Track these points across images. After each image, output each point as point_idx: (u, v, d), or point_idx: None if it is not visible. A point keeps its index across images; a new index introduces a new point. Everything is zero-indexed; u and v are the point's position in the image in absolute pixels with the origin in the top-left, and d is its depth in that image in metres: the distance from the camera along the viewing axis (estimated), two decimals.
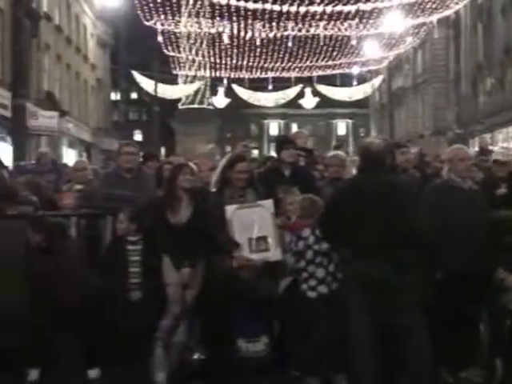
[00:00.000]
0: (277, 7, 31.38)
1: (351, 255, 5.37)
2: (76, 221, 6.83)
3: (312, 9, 32.28)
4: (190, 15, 33.59)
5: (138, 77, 43.56)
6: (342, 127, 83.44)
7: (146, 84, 43.93)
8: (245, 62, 40.55)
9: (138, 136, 71.87)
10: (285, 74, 44.82)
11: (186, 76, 43.30)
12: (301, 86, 49.35)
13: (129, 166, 6.97)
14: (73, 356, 6.20)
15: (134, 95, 72.39)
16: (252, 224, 6.10)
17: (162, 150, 46.18)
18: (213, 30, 36.16)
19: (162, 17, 33.91)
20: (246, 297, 5.94)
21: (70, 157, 33.31)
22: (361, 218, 5.23)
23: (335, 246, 5.70)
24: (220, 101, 49.15)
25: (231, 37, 35.66)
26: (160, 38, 36.77)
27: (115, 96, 54.29)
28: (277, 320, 6.22)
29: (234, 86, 47.01)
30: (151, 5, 31.67)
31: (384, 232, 5.14)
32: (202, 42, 36.43)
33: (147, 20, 33.49)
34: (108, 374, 6.08)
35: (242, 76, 43.80)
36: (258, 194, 6.33)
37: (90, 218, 7.03)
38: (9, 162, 14.21)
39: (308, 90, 52.38)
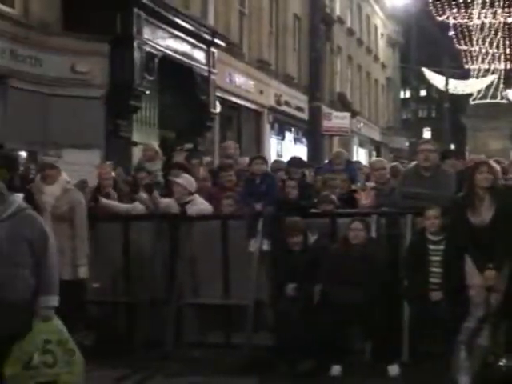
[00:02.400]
0: None
1: None
2: (376, 219, 6.89)
3: None
4: (483, 6, 32.22)
5: (428, 73, 42.94)
6: None
7: (436, 80, 43.13)
8: None
9: (426, 133, 70.84)
10: None
11: (478, 70, 41.60)
12: None
13: (427, 164, 6.82)
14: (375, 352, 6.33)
15: (422, 92, 71.49)
16: None
17: (452, 147, 44.92)
18: (509, 20, 34.28)
19: (455, 10, 32.99)
20: None
21: (360, 156, 33.98)
22: None
23: None
24: None
25: None
26: (451, 33, 35.81)
27: (404, 94, 54.16)
28: None
29: None
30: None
31: None
32: (496, 33, 34.73)
33: (439, 15, 32.81)
34: (409, 371, 6.08)
35: None
36: None
37: (390, 216, 7.05)
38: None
39: None
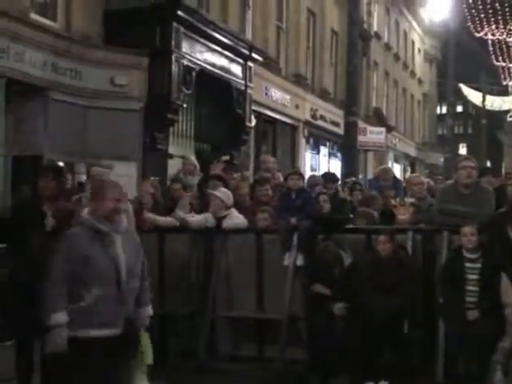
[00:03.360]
0: None
1: None
2: (412, 235, 6.86)
3: None
4: None
5: (465, 89, 42.66)
6: None
7: (473, 96, 42.83)
8: None
9: (462, 150, 70.20)
10: None
11: None
12: None
13: (470, 181, 6.77)
14: None
15: (459, 108, 70.94)
16: None
17: (488, 164, 44.50)
18: None
19: (493, 26, 32.74)
20: None
21: (395, 171, 33.78)
22: None
23: None
24: None
25: None
26: (490, 49, 35.54)
27: (440, 110, 53.80)
28: None
29: None
30: (482, 15, 30.76)
31: None
32: None
33: (477, 31, 32.60)
34: None
35: None
36: None
37: (427, 233, 7.02)
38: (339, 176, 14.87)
39: None
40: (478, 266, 6.05)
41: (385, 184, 8.67)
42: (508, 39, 34.68)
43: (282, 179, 8.60)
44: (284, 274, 6.96)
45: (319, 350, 6.43)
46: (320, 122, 23.67)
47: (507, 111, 44.98)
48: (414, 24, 39.89)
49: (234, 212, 7.43)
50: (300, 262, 6.95)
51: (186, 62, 13.73)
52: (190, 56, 13.92)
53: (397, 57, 36.13)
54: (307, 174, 14.65)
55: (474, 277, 6.04)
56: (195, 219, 7.53)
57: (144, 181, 9.04)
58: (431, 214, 7.10)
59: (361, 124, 23.34)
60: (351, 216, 7.75)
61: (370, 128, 26.31)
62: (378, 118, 30.91)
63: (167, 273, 7.45)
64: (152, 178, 9.06)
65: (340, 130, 20.12)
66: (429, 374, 6.25)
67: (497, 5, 30.02)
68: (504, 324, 5.79)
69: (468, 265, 6.08)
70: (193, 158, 10.01)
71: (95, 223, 4.33)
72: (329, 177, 9.65)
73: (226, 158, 10.22)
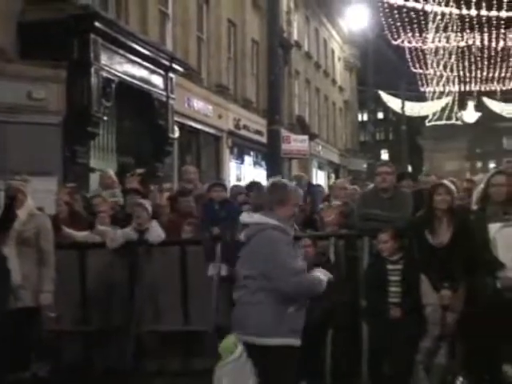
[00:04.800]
0: None
1: None
2: (334, 241, 6.94)
3: None
4: (437, 30, 32.96)
5: (385, 96, 43.63)
6: None
7: (393, 103, 43.87)
8: (496, 74, 38.72)
9: (384, 155, 71.73)
10: None
11: (434, 92, 42.44)
12: None
13: (385, 186, 6.91)
14: None
15: (380, 115, 72.49)
16: None
17: (409, 168, 45.62)
18: (462, 43, 35.11)
19: (410, 34, 33.68)
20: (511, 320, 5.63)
21: (319, 178, 34.22)
22: None
23: None
24: (470, 115, 47.49)
25: (481, 48, 34.31)
26: (407, 56, 36.54)
27: (362, 117, 54.87)
28: None
29: (485, 99, 45.14)
30: (398, 23, 31.59)
31: None
32: (450, 56, 35.53)
33: (394, 39, 33.45)
34: None
35: (493, 88, 41.86)
36: None
37: (349, 238, 7.12)
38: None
39: None
40: (398, 268, 6.16)
41: None
42: (424, 47, 35.71)
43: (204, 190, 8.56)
44: (209, 285, 6.93)
45: None
46: (243, 132, 23.78)
47: (426, 117, 46.26)
48: (334, 33, 40.63)
49: (156, 224, 7.36)
50: (224, 272, 6.94)
51: (105, 74, 13.56)
52: (110, 68, 13.76)
53: (317, 65, 36.69)
54: (232, 183, 14.68)
55: (396, 278, 6.14)
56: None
57: (60, 189, 8.84)
58: (352, 220, 7.22)
59: (284, 132, 23.53)
60: None
61: (293, 136, 26.59)
62: (301, 126, 31.27)
63: (90, 288, 7.31)
64: (68, 185, 8.87)
65: (264, 139, 20.15)
66: (355, 376, 6.33)
67: (412, 13, 30.87)
68: (425, 324, 5.91)
69: (389, 266, 6.19)
70: (111, 172, 9.88)
71: (287, 228, 4.45)
72: (254, 186, 9.70)
73: (141, 170, 10.13)
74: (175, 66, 16.65)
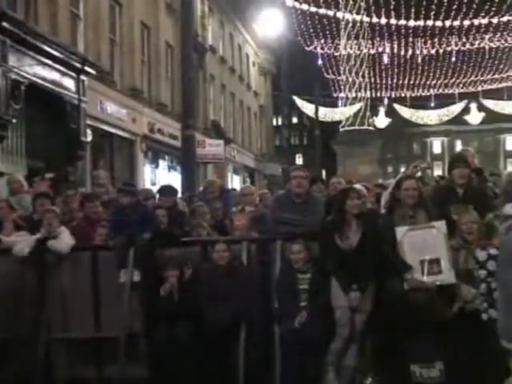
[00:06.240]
0: (439, 23, 30.67)
1: None
2: (247, 246, 6.97)
3: (476, 22, 31.21)
4: (349, 37, 33.68)
5: (299, 101, 44.18)
6: (511, 142, 79.57)
7: (307, 108, 44.45)
8: (406, 81, 39.95)
9: (299, 160, 72.73)
10: (448, 91, 43.60)
11: (347, 98, 43.30)
12: (465, 101, 47.77)
13: (300, 191, 6.98)
14: None
15: (295, 120, 73.45)
16: (424, 246, 5.96)
17: (323, 173, 46.36)
18: (372, 51, 36.04)
19: (322, 41, 34.34)
20: (419, 321, 5.80)
21: (235, 183, 34.33)
22: None
23: None
24: (381, 121, 48.70)
25: (391, 56, 35.34)
26: (320, 62, 37.20)
27: (276, 122, 55.39)
28: (451, 345, 5.99)
29: (396, 106, 46.43)
30: (311, 30, 32.18)
31: None
32: (361, 63, 36.36)
33: (308, 45, 34.02)
34: None
35: (403, 95, 43.18)
36: (430, 214, 6.16)
37: (261, 242, 7.16)
38: (179, 190, 14.84)
39: (473, 106, 50.58)
40: (307, 277, 6.27)
41: (211, 196, 8.74)
42: (336, 53, 36.46)
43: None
44: (121, 291, 6.83)
45: (161, 365, 6.39)
46: (158, 136, 23.59)
47: (339, 122, 47.11)
48: (248, 38, 40.85)
49: (65, 230, 7.20)
50: (137, 278, 6.85)
51: (13, 76, 13.17)
52: (19, 69, 13.37)
53: (232, 70, 36.81)
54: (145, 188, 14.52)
55: (305, 287, 6.26)
56: (22, 242, 7.23)
57: None
58: (265, 224, 7.27)
59: (199, 137, 23.51)
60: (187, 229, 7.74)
61: (208, 141, 26.57)
62: (217, 131, 31.28)
63: None
64: None
65: (179, 143, 20.06)
66: (268, 378, 6.38)
67: (324, 20, 31.50)
68: (335, 326, 6.02)
69: (299, 276, 6.30)
70: (19, 176, 9.60)
71: None
72: (166, 190, 9.64)
73: (50, 175, 9.91)
74: (87, 69, 16.34)
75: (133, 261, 6.85)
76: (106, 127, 19.45)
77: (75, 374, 6.98)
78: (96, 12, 18.98)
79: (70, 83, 15.75)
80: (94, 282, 7.05)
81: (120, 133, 20.69)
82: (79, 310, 7.03)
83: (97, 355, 7.04)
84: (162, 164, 25.08)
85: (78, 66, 15.87)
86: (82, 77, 16.27)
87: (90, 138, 17.26)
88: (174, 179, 23.05)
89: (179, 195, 10.20)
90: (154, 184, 22.21)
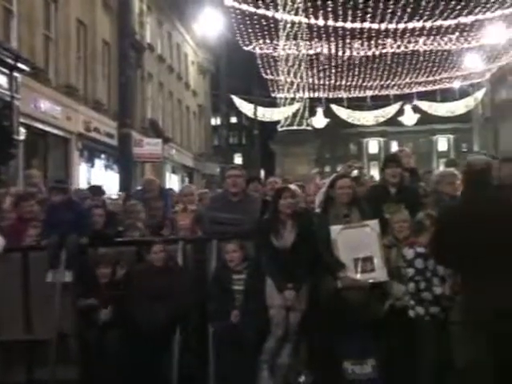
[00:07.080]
0: (375, 25, 31.15)
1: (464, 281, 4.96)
2: (182, 245, 6.92)
3: (411, 25, 31.83)
4: (287, 38, 33.85)
5: (238, 101, 44.16)
6: (443, 143, 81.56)
7: (245, 108, 44.47)
8: (343, 82, 40.42)
9: (238, 159, 72.81)
10: (384, 92, 44.30)
11: (285, 98, 43.54)
12: (400, 103, 48.63)
13: (235, 190, 6.96)
14: None
15: (233, 119, 73.46)
16: (358, 244, 6.03)
17: (262, 172, 46.50)
18: (311, 52, 36.32)
19: (261, 41, 34.41)
20: (352, 318, 5.86)
21: (173, 182, 34.14)
22: (470, 240, 4.76)
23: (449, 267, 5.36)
24: (319, 121, 49.10)
25: (329, 57, 35.70)
26: (259, 62, 37.26)
27: (215, 121, 55.31)
28: (385, 342, 6.08)
29: (333, 106, 46.91)
30: (250, 30, 32.18)
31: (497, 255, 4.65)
32: (300, 64, 36.57)
33: (246, 45, 34.03)
34: None
35: (340, 96, 43.67)
36: (364, 213, 6.24)
37: (197, 242, 7.12)
38: (116, 189, 14.68)
39: (408, 107, 51.50)
40: (242, 277, 6.26)
41: (151, 195, 8.63)
42: (274, 54, 36.57)
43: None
44: (52, 292, 6.69)
45: (92, 365, 6.31)
46: (94, 134, 23.25)
47: (278, 122, 47.33)
48: (187, 37, 40.69)
49: None
50: (68, 278, 6.72)
51: None
52: None
53: (171, 68, 36.59)
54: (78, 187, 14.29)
55: (240, 287, 6.25)
56: None
57: None
58: (203, 223, 7.25)
59: (137, 136, 23.29)
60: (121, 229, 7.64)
61: (146, 140, 26.33)
62: (155, 130, 31.05)
63: None
64: None
65: (115, 142, 19.84)
66: (202, 377, 6.35)
67: (263, 20, 31.54)
68: (269, 325, 6.03)
69: (234, 276, 6.29)
70: None
71: None
72: (95, 190, 9.53)
73: None
74: (20, 65, 15.99)
75: (64, 261, 6.72)
76: (40, 125, 19.07)
77: (5, 377, 6.80)
78: (30, 8, 18.57)
79: (2, 80, 15.41)
80: (25, 283, 6.89)
81: (55, 131, 20.30)
82: (9, 312, 6.84)
83: (28, 358, 6.88)
84: (99, 163, 24.73)
85: (11, 62, 15.54)
86: (15, 73, 15.93)
87: (23, 137, 16.88)
88: (111, 178, 22.79)
89: (115, 195, 10.10)
90: (89, 183, 21.88)
